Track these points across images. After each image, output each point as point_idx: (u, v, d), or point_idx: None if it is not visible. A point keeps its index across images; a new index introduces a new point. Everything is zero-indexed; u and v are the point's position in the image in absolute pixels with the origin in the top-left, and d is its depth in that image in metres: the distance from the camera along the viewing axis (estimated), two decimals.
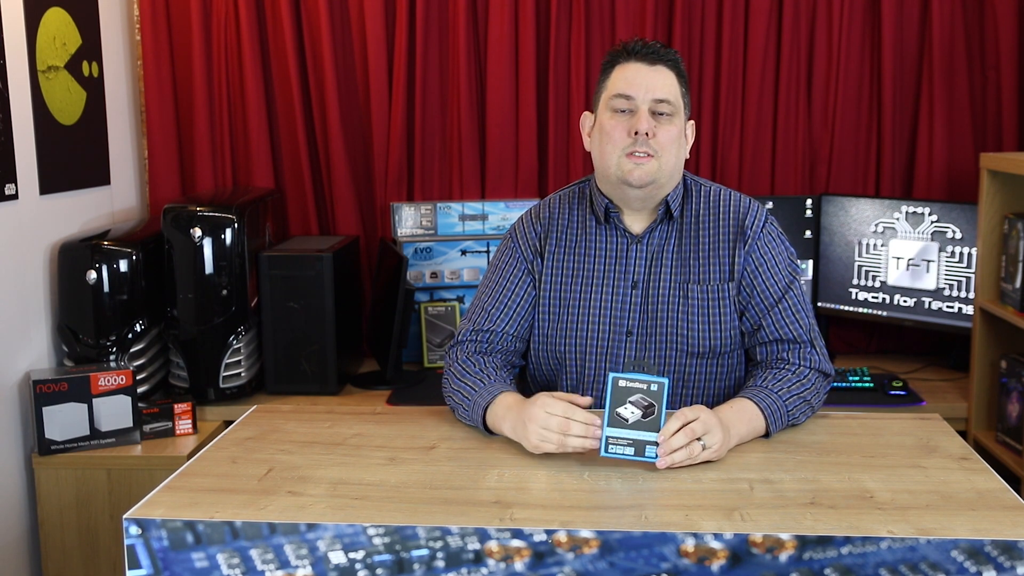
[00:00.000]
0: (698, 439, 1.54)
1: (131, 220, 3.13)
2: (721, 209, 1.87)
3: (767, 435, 1.70)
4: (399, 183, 3.18)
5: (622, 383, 1.55)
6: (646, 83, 1.77)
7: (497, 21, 3.09)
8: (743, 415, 1.67)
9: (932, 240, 2.93)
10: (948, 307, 2.92)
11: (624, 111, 1.78)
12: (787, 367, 1.79)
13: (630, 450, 1.54)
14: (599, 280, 1.87)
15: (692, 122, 1.88)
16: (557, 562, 1.32)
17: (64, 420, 2.53)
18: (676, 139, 1.79)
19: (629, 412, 1.54)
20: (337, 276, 2.81)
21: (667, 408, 1.54)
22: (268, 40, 3.17)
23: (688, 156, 1.87)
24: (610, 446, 1.54)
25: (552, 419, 1.57)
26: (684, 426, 1.53)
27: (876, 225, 3.02)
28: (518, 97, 3.14)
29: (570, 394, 1.67)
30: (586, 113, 1.90)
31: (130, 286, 2.71)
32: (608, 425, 1.54)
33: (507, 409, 1.67)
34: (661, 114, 1.78)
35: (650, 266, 1.86)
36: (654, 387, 1.54)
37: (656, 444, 1.52)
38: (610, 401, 1.55)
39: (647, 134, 1.75)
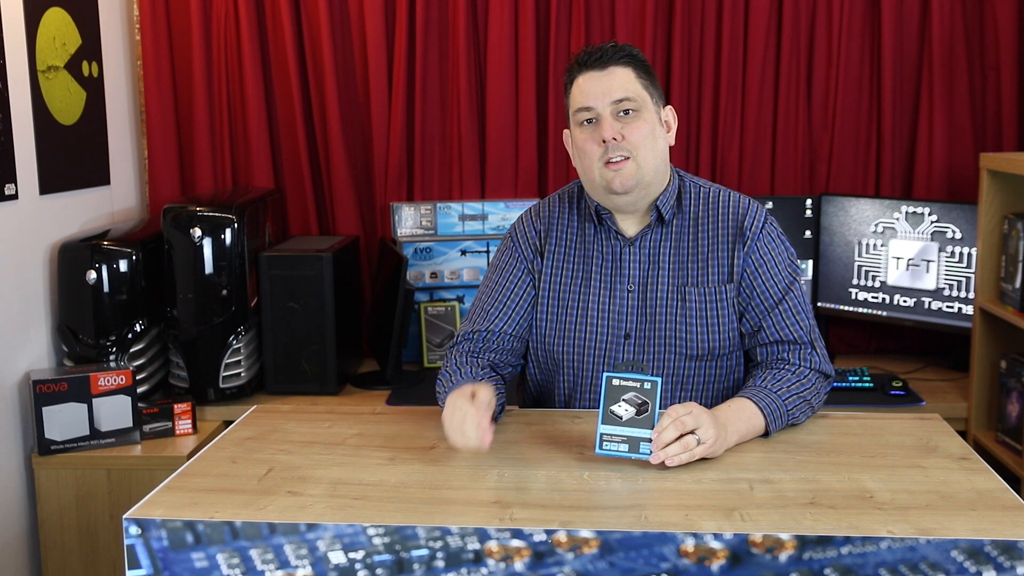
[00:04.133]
0: (692, 432, 1.54)
1: (131, 220, 3.13)
2: (720, 210, 1.86)
3: (767, 434, 1.70)
4: (399, 183, 3.18)
5: (616, 382, 1.56)
6: (601, 89, 1.77)
7: (497, 21, 3.09)
8: (741, 413, 1.67)
9: (932, 240, 2.93)
10: (948, 307, 2.92)
11: (590, 121, 1.78)
12: (787, 367, 1.79)
13: (624, 447, 1.54)
14: (597, 282, 1.87)
15: (670, 107, 1.87)
16: (557, 562, 1.32)
17: (64, 420, 2.53)
18: (649, 134, 1.78)
19: (623, 410, 1.55)
20: (337, 276, 2.81)
21: (660, 406, 1.55)
22: (268, 40, 3.17)
23: (673, 142, 1.86)
24: (604, 443, 1.55)
25: (454, 415, 1.58)
26: (675, 421, 1.54)
27: (876, 225, 3.02)
28: (518, 97, 3.13)
29: (481, 393, 1.62)
30: (566, 131, 1.90)
31: (130, 286, 2.71)
32: (602, 423, 1.55)
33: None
34: (626, 112, 1.77)
35: (647, 269, 1.85)
36: (647, 385, 1.55)
37: (650, 441, 1.53)
38: (604, 399, 1.55)
39: (615, 139, 1.75)
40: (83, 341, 2.68)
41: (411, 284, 3.03)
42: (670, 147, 1.86)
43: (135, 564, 1.38)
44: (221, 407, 2.77)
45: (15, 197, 2.55)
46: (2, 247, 2.52)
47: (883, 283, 3.03)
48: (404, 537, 1.34)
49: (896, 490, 1.46)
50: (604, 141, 1.75)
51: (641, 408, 1.54)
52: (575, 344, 1.87)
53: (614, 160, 1.75)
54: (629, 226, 1.87)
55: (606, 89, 1.77)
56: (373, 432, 1.74)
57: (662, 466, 1.53)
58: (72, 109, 2.82)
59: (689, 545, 1.31)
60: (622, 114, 1.77)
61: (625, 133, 1.76)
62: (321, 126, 3.18)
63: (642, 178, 1.78)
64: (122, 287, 2.69)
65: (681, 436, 1.53)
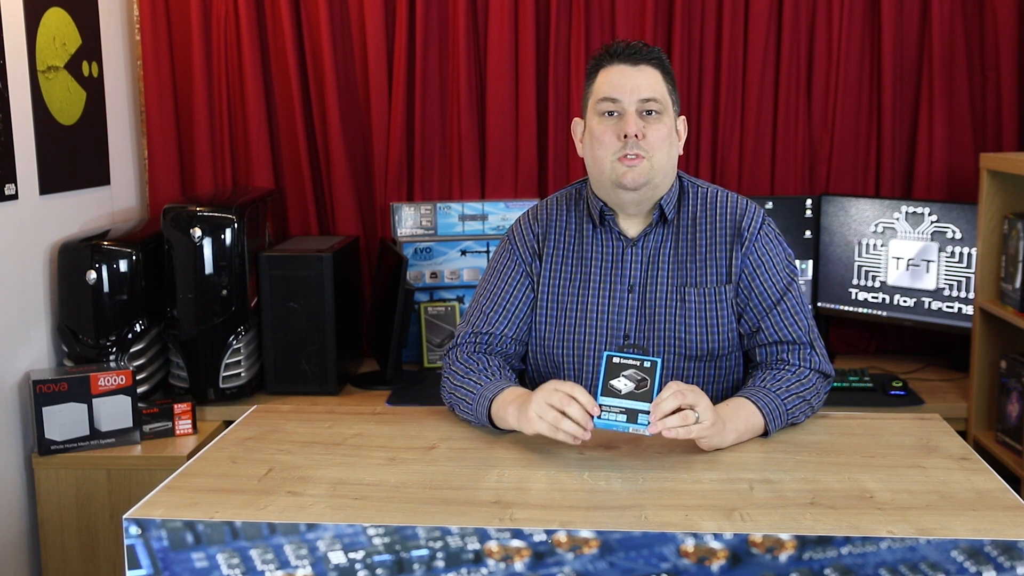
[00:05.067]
0: (692, 409, 1.53)
1: (131, 220, 3.13)
2: (718, 211, 1.86)
3: (766, 434, 1.70)
4: (399, 183, 3.18)
5: (616, 360, 1.56)
6: (631, 84, 1.77)
7: (497, 21, 3.09)
8: (740, 412, 1.67)
9: (932, 240, 2.93)
10: (948, 307, 2.92)
11: (612, 114, 1.78)
12: (787, 367, 1.79)
13: (622, 417, 1.54)
14: (595, 284, 1.87)
15: (683, 118, 1.88)
16: (557, 562, 1.32)
17: (64, 420, 2.53)
18: (666, 138, 1.79)
19: (622, 384, 1.55)
20: (337, 276, 2.81)
21: (659, 387, 1.55)
22: (268, 40, 3.17)
23: (681, 152, 1.87)
24: (603, 413, 1.54)
25: (555, 394, 1.56)
26: (675, 392, 1.54)
27: (876, 225, 3.02)
28: (518, 97, 3.13)
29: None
30: (576, 119, 1.89)
31: (130, 286, 2.71)
32: (601, 394, 1.55)
33: (517, 396, 1.67)
34: (650, 112, 1.77)
35: (646, 270, 1.85)
36: (647, 364, 1.55)
37: (648, 413, 1.53)
38: (604, 375, 1.55)
39: (636, 136, 1.75)
40: (83, 341, 2.68)
41: (411, 284, 3.03)
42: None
43: (135, 564, 1.38)
44: (221, 407, 2.77)
45: (15, 197, 2.55)
46: (2, 247, 2.52)
47: (883, 283, 3.03)
48: (404, 537, 1.34)
49: (896, 490, 1.46)
50: (625, 136, 1.75)
51: (640, 383, 1.54)
52: (574, 346, 1.87)
53: (630, 156, 1.75)
54: (631, 227, 1.87)
55: (635, 85, 1.77)
56: (373, 432, 1.74)
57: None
58: (72, 109, 2.82)
59: (689, 545, 1.31)
60: (646, 113, 1.77)
61: (646, 132, 1.76)
62: (321, 126, 3.18)
63: (652, 178, 1.78)
64: (122, 287, 2.69)
65: (680, 410, 1.53)
